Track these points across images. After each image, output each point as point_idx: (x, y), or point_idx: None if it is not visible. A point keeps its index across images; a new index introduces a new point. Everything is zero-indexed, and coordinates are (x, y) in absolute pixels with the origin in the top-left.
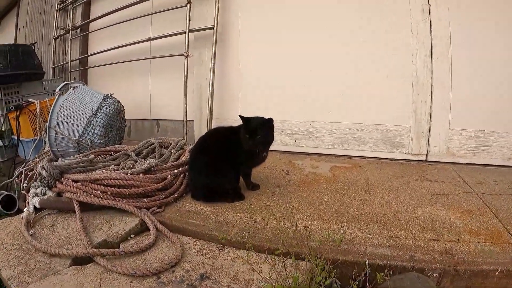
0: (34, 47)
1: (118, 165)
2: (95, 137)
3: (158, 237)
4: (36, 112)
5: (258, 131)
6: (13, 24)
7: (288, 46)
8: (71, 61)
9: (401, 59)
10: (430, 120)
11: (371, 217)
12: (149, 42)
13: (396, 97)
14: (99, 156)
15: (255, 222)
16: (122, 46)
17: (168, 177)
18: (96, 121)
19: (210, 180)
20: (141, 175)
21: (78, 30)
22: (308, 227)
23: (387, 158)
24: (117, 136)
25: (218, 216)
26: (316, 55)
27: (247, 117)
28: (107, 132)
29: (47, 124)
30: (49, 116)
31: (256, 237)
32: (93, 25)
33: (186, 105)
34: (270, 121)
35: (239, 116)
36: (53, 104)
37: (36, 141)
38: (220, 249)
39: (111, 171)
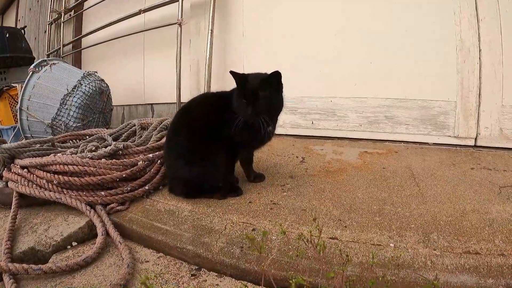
0: (24, 31)
1: (78, 147)
2: (70, 120)
3: (107, 248)
4: (18, 97)
5: (260, 92)
6: (14, 15)
7: (302, 7)
8: (64, 45)
9: (442, 19)
10: (479, 94)
11: (430, 220)
12: (142, 17)
13: (438, 65)
14: (71, 141)
15: (253, 229)
16: (115, 22)
17: (139, 163)
18: (72, 101)
19: (192, 170)
20: (103, 160)
21: (72, 12)
22: (337, 238)
23: (427, 143)
24: (100, 120)
25: (200, 219)
26: (337, 16)
27: (242, 73)
28: (86, 115)
29: (17, 106)
30: (20, 96)
31: (252, 257)
32: (87, 5)
33: (180, 84)
34: (275, 76)
35: (230, 72)
36: (25, 83)
37: (16, 128)
38: (192, 275)
39: (68, 155)
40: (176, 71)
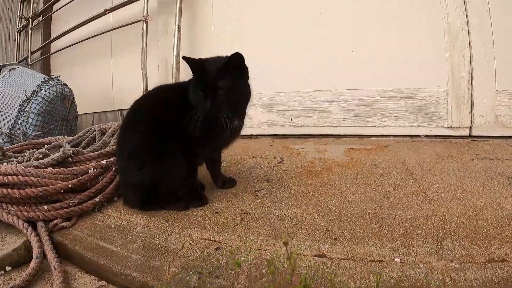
0: None
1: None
2: (29, 128)
3: (43, 274)
4: None
5: (219, 82)
6: None
7: None
8: (32, 52)
9: (427, 0)
10: (471, 80)
11: (439, 222)
12: (110, 19)
13: (426, 51)
14: (28, 150)
15: (217, 248)
16: (82, 24)
17: (89, 171)
18: (31, 107)
19: (145, 174)
20: (49, 168)
21: (41, 18)
22: (325, 255)
23: (419, 136)
24: (64, 127)
25: (153, 237)
26: (313, 1)
27: (198, 59)
28: (47, 122)
29: None
30: None
31: (214, 285)
32: (55, 8)
33: (147, 86)
34: (236, 59)
35: (183, 57)
36: None
37: None
38: None
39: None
40: (142, 72)
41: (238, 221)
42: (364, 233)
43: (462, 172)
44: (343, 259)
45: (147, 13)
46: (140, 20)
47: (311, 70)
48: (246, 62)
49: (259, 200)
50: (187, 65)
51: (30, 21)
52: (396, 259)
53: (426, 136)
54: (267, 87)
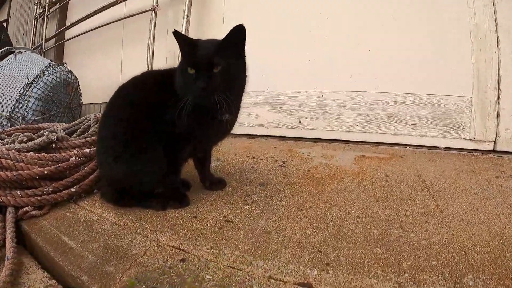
0: (6, 24)
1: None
2: (28, 112)
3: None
4: None
5: (216, 57)
6: (7, 11)
7: None
8: (46, 40)
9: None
10: (498, 89)
11: (458, 252)
12: (123, 9)
13: (450, 53)
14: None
15: (182, 260)
16: (95, 13)
17: (71, 159)
18: (32, 92)
19: (120, 167)
20: (30, 153)
21: (57, 6)
22: (312, 285)
23: (438, 147)
24: (66, 115)
25: (118, 237)
26: None
27: (191, 38)
28: (48, 108)
29: None
30: None
31: None
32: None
33: None
34: (238, 33)
35: (173, 32)
36: None
37: None
38: None
39: None
40: (147, 62)
41: (217, 229)
42: (365, 260)
43: (486, 190)
44: None
45: (157, 3)
46: (149, 10)
47: (324, 69)
48: (258, 57)
49: (247, 207)
50: None
51: (47, 9)
52: None
53: (445, 148)
54: (275, 84)
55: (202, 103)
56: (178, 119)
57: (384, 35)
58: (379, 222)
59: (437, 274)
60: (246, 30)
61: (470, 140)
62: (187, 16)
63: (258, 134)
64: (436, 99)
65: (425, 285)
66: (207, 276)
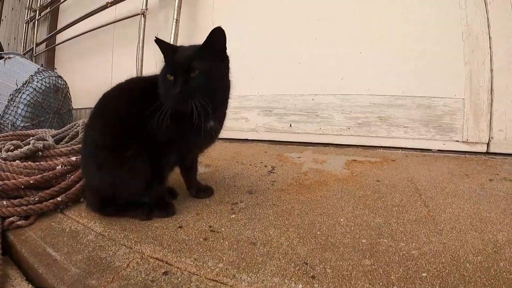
0: None
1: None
2: (17, 119)
3: None
4: None
5: (194, 61)
6: None
7: None
8: (37, 44)
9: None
10: (491, 90)
11: (450, 262)
12: (113, 13)
13: (442, 55)
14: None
15: (165, 273)
16: (85, 17)
17: (57, 168)
18: (21, 97)
19: (104, 177)
20: (17, 162)
21: (48, 10)
22: None
23: (431, 150)
24: (55, 120)
25: (102, 248)
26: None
27: (172, 44)
28: (37, 114)
29: None
30: None
31: None
32: (62, 1)
33: None
34: (216, 34)
35: (155, 40)
36: None
37: None
38: None
39: None
40: (137, 67)
41: (201, 240)
42: (352, 272)
43: (479, 195)
44: None
45: (145, 6)
46: (138, 14)
47: (315, 72)
48: (247, 60)
49: (233, 216)
50: None
51: (38, 13)
52: None
53: (438, 150)
54: (265, 88)
55: (179, 108)
56: (157, 127)
57: (375, 37)
58: (368, 231)
59: (427, 286)
60: (235, 33)
61: (463, 142)
62: (176, 20)
63: (248, 138)
64: (428, 101)
65: None
66: None
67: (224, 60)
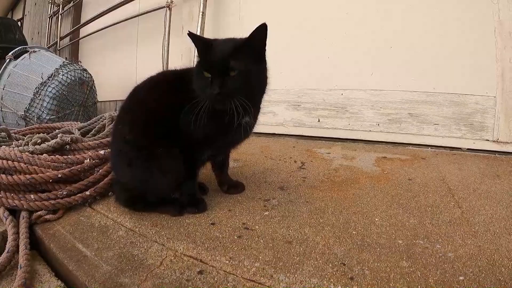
0: (21, 23)
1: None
2: (43, 111)
3: (11, 271)
4: None
5: (232, 60)
6: (22, 10)
7: None
8: (61, 38)
9: None
10: None
11: (486, 266)
12: (137, 6)
13: (473, 51)
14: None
15: (200, 272)
16: (109, 10)
17: (85, 161)
18: (47, 90)
19: (134, 174)
20: (44, 155)
21: (71, 4)
22: None
23: (461, 148)
24: (81, 113)
25: (133, 245)
26: None
27: (207, 38)
28: (63, 107)
29: None
30: None
31: None
32: None
33: None
34: (259, 33)
35: (189, 34)
36: (0, 71)
37: None
38: None
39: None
40: (163, 60)
41: (235, 237)
42: (390, 274)
43: (511, 197)
44: None
45: (172, 0)
46: (164, 7)
47: (344, 66)
48: (276, 55)
49: (267, 213)
50: None
51: (61, 7)
52: None
53: (468, 149)
54: (294, 82)
55: (218, 108)
56: (195, 123)
57: (406, 32)
58: (404, 232)
59: None
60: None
61: (494, 141)
62: (203, 13)
63: (276, 132)
64: (459, 98)
65: None
66: None
67: (263, 59)
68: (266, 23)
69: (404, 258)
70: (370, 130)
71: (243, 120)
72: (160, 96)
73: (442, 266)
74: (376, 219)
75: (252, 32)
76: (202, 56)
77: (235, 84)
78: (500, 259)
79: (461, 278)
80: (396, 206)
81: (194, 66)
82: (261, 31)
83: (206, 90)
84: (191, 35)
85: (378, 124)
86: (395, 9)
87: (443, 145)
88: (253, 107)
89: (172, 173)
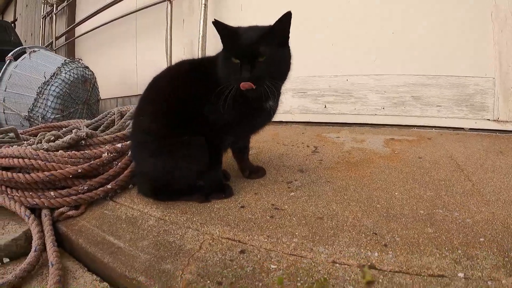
0: (15, 25)
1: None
2: (48, 111)
3: (40, 270)
4: None
5: (261, 46)
6: (13, 12)
7: None
8: (56, 38)
9: None
10: None
11: (501, 228)
12: (134, 3)
13: (472, 35)
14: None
15: (241, 252)
16: (106, 7)
17: (103, 155)
18: (50, 90)
19: (158, 163)
20: (60, 151)
21: (65, 3)
22: (375, 267)
23: (463, 128)
24: (84, 111)
25: (167, 232)
26: None
27: (231, 26)
28: (67, 105)
29: None
30: None
31: None
32: None
33: None
34: (284, 21)
35: (213, 22)
36: (1, 73)
37: None
38: None
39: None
40: (167, 54)
41: (268, 218)
42: (419, 239)
43: None
44: (397, 272)
45: None
46: (165, 1)
47: (348, 52)
48: None
49: (292, 194)
50: (214, 46)
51: (55, 7)
52: (459, 274)
53: (470, 129)
54: (299, 69)
55: (248, 93)
56: (223, 109)
57: (407, 18)
58: (423, 203)
59: (486, 249)
60: (264, 14)
61: (494, 120)
62: (205, 4)
63: (283, 120)
64: (460, 80)
65: (478, 260)
66: (272, 266)
67: (287, 44)
68: (291, 12)
69: (428, 225)
70: (375, 114)
71: (267, 104)
72: (182, 85)
73: (463, 230)
74: (396, 193)
75: (279, 18)
76: (229, 43)
77: (264, 68)
78: None
79: (481, 239)
80: (412, 181)
81: (215, 55)
82: (285, 19)
83: (235, 75)
84: (216, 23)
85: (383, 108)
86: None
87: (446, 125)
88: (276, 91)
89: (198, 161)
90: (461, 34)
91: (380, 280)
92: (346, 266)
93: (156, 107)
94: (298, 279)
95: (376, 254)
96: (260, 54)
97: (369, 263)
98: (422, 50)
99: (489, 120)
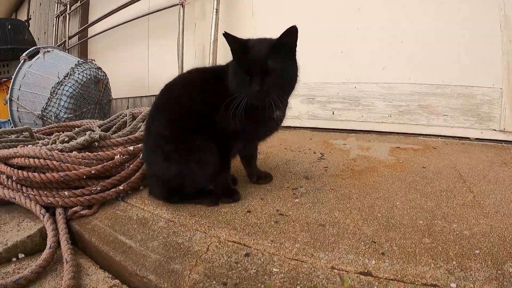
0: (29, 23)
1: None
2: (61, 110)
3: (55, 266)
4: None
5: (269, 60)
6: (26, 11)
7: None
8: (69, 37)
9: None
10: None
11: (497, 242)
12: (147, 4)
13: (480, 45)
14: (57, 133)
15: (246, 255)
16: (119, 9)
17: (115, 157)
18: (63, 90)
19: (171, 167)
20: (74, 152)
21: (78, 3)
22: (371, 274)
23: (469, 138)
24: (97, 111)
25: (176, 234)
26: None
27: (241, 38)
28: (79, 105)
29: (7, 96)
30: (10, 85)
31: None
32: None
33: (182, 71)
34: (290, 35)
35: (224, 34)
36: (15, 71)
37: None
38: None
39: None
40: (178, 57)
41: (273, 223)
42: (415, 249)
43: None
44: (392, 279)
45: None
46: (177, 4)
47: (356, 60)
48: None
49: (297, 200)
50: (225, 51)
51: (68, 6)
52: (452, 284)
53: (476, 139)
54: (308, 76)
55: (257, 104)
56: (233, 118)
57: (416, 27)
58: (423, 213)
59: (480, 261)
60: (275, 21)
61: (500, 131)
62: (216, 9)
63: (291, 125)
64: (467, 90)
65: (471, 272)
66: (274, 269)
67: (294, 58)
68: (296, 26)
69: (426, 236)
70: (382, 122)
71: (275, 114)
72: (195, 93)
73: (459, 242)
74: (397, 203)
75: (283, 33)
76: (239, 56)
77: (273, 81)
78: (510, 235)
79: (477, 251)
80: (414, 191)
81: (225, 64)
82: (292, 32)
83: (244, 87)
84: (226, 35)
85: (390, 116)
86: (405, 5)
87: (452, 135)
88: (284, 102)
89: (210, 165)
90: (470, 44)
91: (375, 286)
92: (344, 272)
93: (171, 114)
94: (298, 282)
95: (373, 261)
96: (269, 68)
97: (365, 270)
98: (430, 59)
99: (495, 130)
